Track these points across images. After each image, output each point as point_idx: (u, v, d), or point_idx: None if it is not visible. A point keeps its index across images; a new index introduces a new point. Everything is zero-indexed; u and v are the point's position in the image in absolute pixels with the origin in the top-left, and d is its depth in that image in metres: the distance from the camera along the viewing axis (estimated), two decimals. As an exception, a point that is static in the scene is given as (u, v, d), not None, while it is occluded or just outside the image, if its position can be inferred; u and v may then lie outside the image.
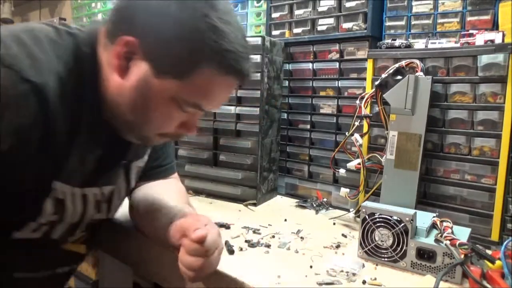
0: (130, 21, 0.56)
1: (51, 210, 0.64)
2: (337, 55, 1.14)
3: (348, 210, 1.06)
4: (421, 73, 0.89)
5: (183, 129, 0.64)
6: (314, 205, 1.12)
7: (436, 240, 0.72)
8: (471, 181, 0.89)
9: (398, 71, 0.93)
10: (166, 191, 0.83)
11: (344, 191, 1.02)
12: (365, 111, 0.97)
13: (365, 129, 1.00)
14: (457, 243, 0.68)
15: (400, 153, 0.90)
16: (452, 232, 0.73)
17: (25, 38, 0.55)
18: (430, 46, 0.93)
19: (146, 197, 0.81)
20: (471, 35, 0.88)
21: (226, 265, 0.70)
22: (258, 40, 1.10)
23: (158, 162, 0.86)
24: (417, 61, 0.91)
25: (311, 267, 0.73)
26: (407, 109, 0.88)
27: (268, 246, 0.82)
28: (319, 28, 1.17)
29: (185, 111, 0.60)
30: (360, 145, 0.98)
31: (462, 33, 0.91)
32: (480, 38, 0.86)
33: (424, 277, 0.70)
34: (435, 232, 0.76)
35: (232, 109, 1.15)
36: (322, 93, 1.19)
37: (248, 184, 1.15)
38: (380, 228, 0.75)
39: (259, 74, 1.10)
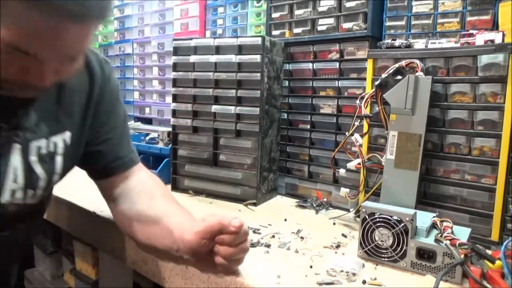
0: None
1: None
2: (337, 55, 1.14)
3: (348, 210, 1.06)
4: (421, 73, 0.89)
5: (26, 76, 0.58)
6: (314, 205, 1.12)
7: (436, 240, 0.72)
8: (471, 181, 0.89)
9: (398, 71, 0.93)
10: (154, 199, 0.78)
11: (344, 191, 1.02)
12: (365, 111, 0.97)
13: (365, 129, 1.00)
14: (457, 243, 0.68)
15: (400, 153, 0.90)
16: (452, 232, 0.73)
17: None
18: (430, 46, 0.93)
19: (133, 207, 0.78)
20: (471, 35, 0.88)
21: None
22: (258, 40, 1.10)
23: (113, 155, 0.81)
24: (417, 61, 0.91)
25: (311, 267, 0.73)
26: (407, 109, 0.88)
27: (268, 246, 0.83)
28: (319, 28, 1.17)
29: (8, 52, 0.54)
30: (360, 145, 0.98)
31: (462, 33, 0.91)
32: (480, 38, 0.86)
33: (424, 277, 0.70)
34: (435, 232, 0.76)
35: (232, 109, 1.15)
36: (322, 93, 1.19)
37: (248, 184, 1.16)
38: (380, 228, 0.75)
39: (259, 74, 1.10)
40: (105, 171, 0.82)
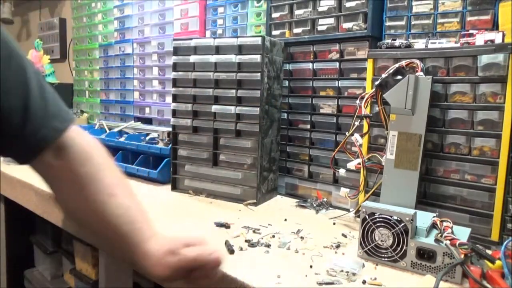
0: None
1: None
2: (337, 55, 1.14)
3: (348, 210, 1.06)
4: (421, 73, 0.89)
5: None
6: (314, 205, 1.12)
7: (436, 240, 0.72)
8: (471, 181, 0.89)
9: (398, 71, 0.93)
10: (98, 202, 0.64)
11: (344, 191, 1.02)
12: (365, 111, 0.97)
13: (365, 129, 1.00)
14: (457, 243, 0.68)
15: (400, 153, 0.90)
16: (452, 232, 0.73)
17: None
18: (430, 46, 0.93)
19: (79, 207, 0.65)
20: (471, 35, 0.88)
21: (226, 265, 0.69)
22: (258, 40, 1.10)
23: (26, 129, 0.59)
24: (417, 61, 0.91)
25: (311, 267, 0.73)
26: (407, 109, 0.88)
27: (268, 246, 0.83)
28: (319, 28, 1.17)
29: None
30: (360, 145, 0.98)
31: (462, 33, 0.91)
32: (480, 38, 0.86)
33: (424, 277, 0.70)
34: (435, 232, 0.76)
35: (232, 109, 1.15)
36: (322, 93, 1.19)
37: (248, 184, 1.16)
38: (380, 228, 0.75)
39: (259, 74, 1.10)
40: (25, 150, 0.62)
